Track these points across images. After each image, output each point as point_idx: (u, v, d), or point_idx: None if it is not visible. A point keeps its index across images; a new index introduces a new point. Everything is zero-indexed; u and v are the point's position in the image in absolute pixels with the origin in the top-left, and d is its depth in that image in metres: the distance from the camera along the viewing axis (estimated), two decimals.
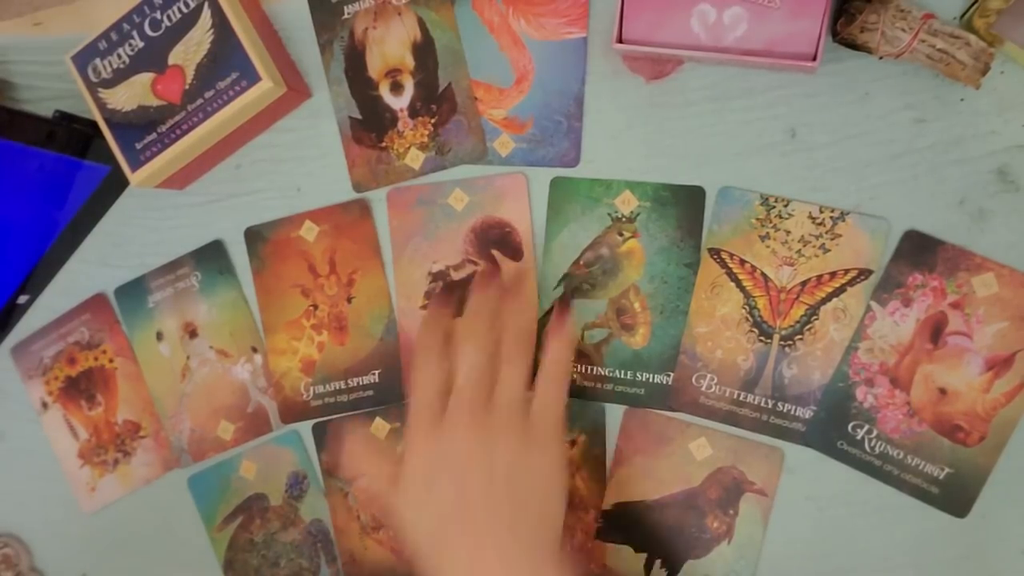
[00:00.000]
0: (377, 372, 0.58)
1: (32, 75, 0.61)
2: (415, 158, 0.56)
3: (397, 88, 0.56)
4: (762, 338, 0.51)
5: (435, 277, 0.56)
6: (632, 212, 0.53)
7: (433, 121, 0.55)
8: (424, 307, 0.56)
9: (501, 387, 0.46)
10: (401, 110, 0.56)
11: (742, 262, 0.51)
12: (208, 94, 0.53)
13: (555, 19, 0.53)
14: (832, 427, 0.51)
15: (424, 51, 0.55)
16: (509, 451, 0.44)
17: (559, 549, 0.45)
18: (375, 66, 0.56)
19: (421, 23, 0.55)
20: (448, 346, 0.47)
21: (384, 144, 0.56)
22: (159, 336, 0.62)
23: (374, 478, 0.48)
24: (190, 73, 0.54)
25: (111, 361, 0.63)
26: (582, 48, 0.53)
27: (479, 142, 0.55)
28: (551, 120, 0.54)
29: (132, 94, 0.55)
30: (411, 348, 0.57)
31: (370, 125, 0.57)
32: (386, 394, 0.58)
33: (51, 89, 0.61)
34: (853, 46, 0.48)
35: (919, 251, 0.49)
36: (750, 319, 0.52)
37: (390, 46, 0.56)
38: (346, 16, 0.56)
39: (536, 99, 0.54)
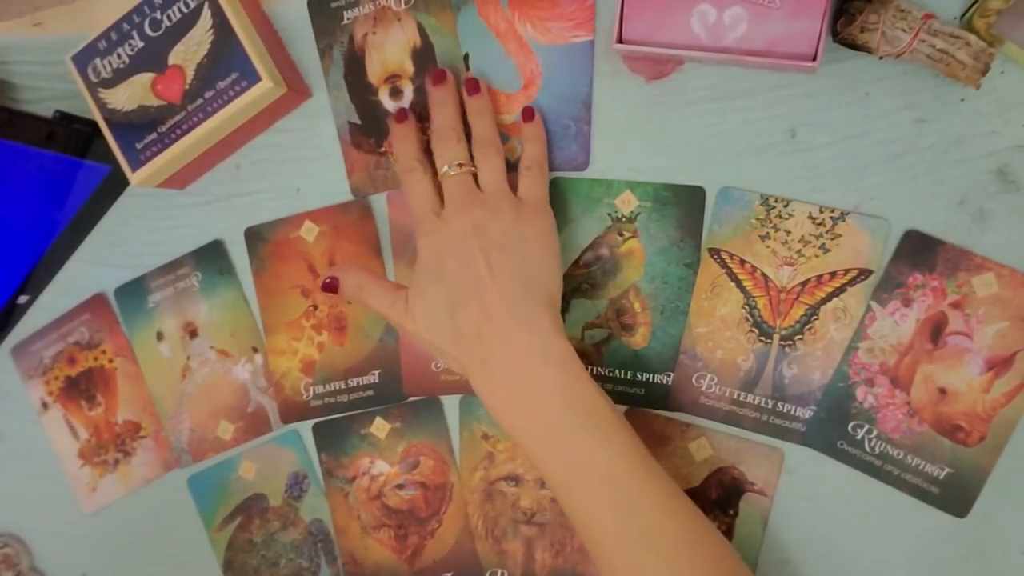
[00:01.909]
0: (377, 372, 0.58)
1: (32, 75, 0.61)
2: None
3: (397, 94, 0.56)
4: (762, 338, 0.51)
5: None
6: (632, 212, 0.53)
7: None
8: None
9: (483, 178, 0.51)
10: None
11: (742, 262, 0.51)
12: (208, 94, 0.53)
13: (561, 23, 0.53)
14: (832, 427, 0.51)
15: (424, 57, 0.55)
16: (502, 224, 0.49)
17: (557, 306, 0.50)
18: (375, 71, 0.56)
19: (421, 29, 0.55)
20: (427, 158, 0.52)
21: (383, 149, 0.56)
22: (159, 336, 0.62)
23: (379, 297, 0.51)
24: (190, 73, 0.54)
25: (111, 361, 0.63)
26: (589, 51, 0.53)
27: None
28: (559, 124, 0.54)
29: (132, 94, 0.55)
30: (411, 349, 0.57)
31: (369, 130, 0.57)
32: (386, 394, 0.58)
33: (51, 89, 0.61)
34: (853, 46, 0.48)
35: (919, 251, 0.49)
36: (750, 319, 0.52)
37: (390, 51, 0.56)
38: (346, 21, 0.56)
39: (544, 103, 0.54)
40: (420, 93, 0.55)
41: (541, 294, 0.49)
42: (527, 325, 0.47)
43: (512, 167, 0.53)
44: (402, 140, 0.53)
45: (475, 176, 0.51)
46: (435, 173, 0.52)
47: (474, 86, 0.52)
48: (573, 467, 0.45)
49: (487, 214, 0.49)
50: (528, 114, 0.53)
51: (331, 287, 0.52)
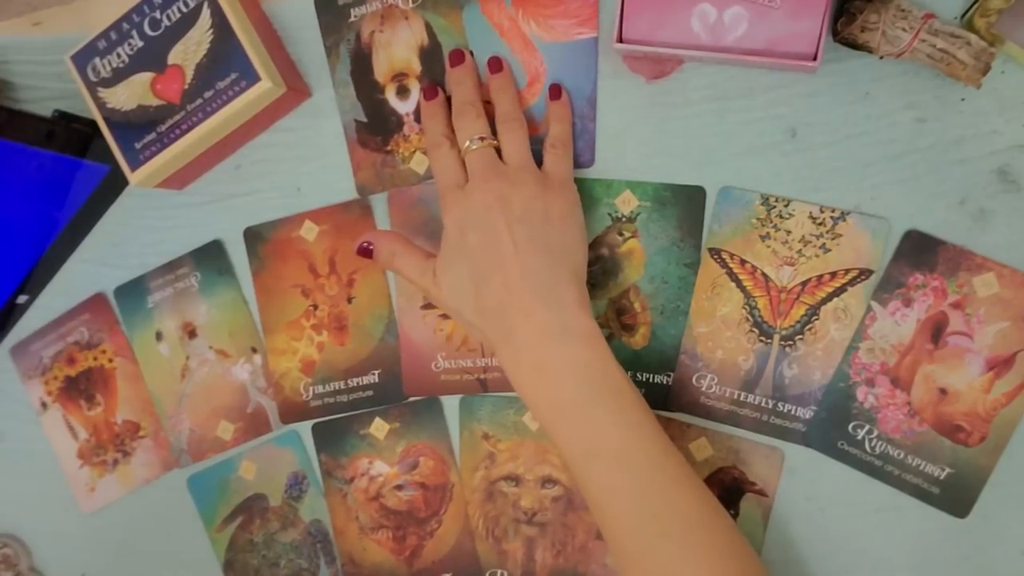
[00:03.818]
0: (377, 372, 0.58)
1: (32, 75, 0.61)
2: (420, 162, 0.56)
3: (403, 92, 0.56)
4: (762, 338, 0.51)
5: None
6: (632, 212, 0.53)
7: None
8: (424, 307, 0.56)
9: (506, 151, 0.51)
10: (407, 114, 0.56)
11: (742, 262, 0.51)
12: (207, 94, 0.53)
13: (565, 20, 0.53)
14: (832, 427, 0.51)
15: (431, 55, 0.55)
16: (525, 196, 0.49)
17: (583, 279, 0.50)
18: (381, 70, 0.56)
19: (428, 28, 0.55)
20: (454, 135, 0.52)
21: (389, 148, 0.56)
22: (158, 336, 0.62)
23: (410, 264, 0.52)
24: (189, 73, 0.54)
25: (110, 361, 0.63)
26: (593, 48, 0.53)
27: None
28: None
29: (131, 93, 0.55)
30: (412, 349, 0.57)
31: (375, 129, 0.56)
32: (386, 394, 0.58)
33: (51, 89, 0.60)
34: (854, 46, 0.48)
35: (920, 251, 0.49)
36: (750, 319, 0.51)
37: (397, 50, 0.56)
38: (353, 19, 0.56)
39: None
40: None
41: (565, 267, 0.49)
42: (550, 300, 0.47)
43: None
44: (431, 117, 0.53)
45: (499, 151, 0.51)
46: (455, 145, 0.52)
47: (496, 65, 0.53)
48: (590, 444, 0.46)
49: (509, 187, 0.49)
50: (555, 92, 0.53)
51: (367, 252, 0.53)
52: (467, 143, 0.51)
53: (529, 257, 0.48)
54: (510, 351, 0.48)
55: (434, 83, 0.55)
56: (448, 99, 0.54)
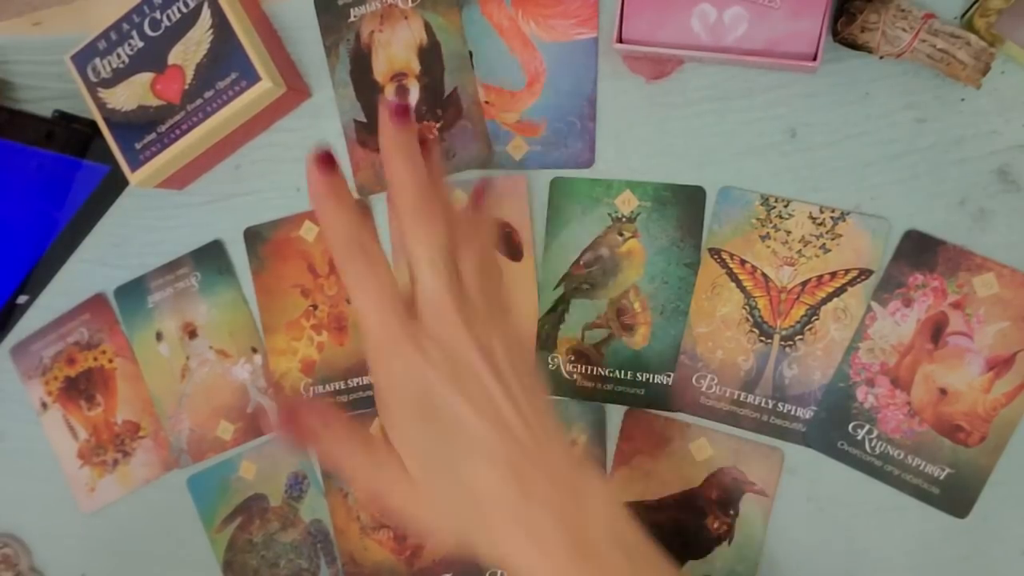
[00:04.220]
0: None
1: (32, 75, 0.61)
2: None
3: (403, 92, 0.56)
4: (762, 338, 0.51)
5: None
6: (632, 212, 0.53)
7: (439, 125, 0.55)
8: None
9: (466, 274, 0.38)
10: None
11: (742, 262, 0.51)
12: (208, 94, 0.53)
13: (565, 20, 0.53)
14: (832, 427, 0.51)
15: (430, 55, 0.55)
16: (504, 333, 0.38)
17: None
18: (381, 69, 0.56)
19: (427, 27, 0.55)
20: (376, 243, 0.37)
21: None
22: (159, 336, 0.62)
23: (362, 471, 0.38)
24: (190, 73, 0.54)
25: (111, 361, 0.63)
26: (593, 48, 0.53)
27: (484, 146, 0.55)
28: (564, 121, 0.53)
29: (132, 94, 0.55)
30: None
31: (375, 128, 0.56)
32: None
33: (51, 89, 0.60)
34: (854, 46, 0.48)
35: (920, 251, 0.49)
36: (750, 319, 0.51)
37: (396, 49, 0.56)
38: (352, 19, 0.56)
39: (549, 101, 0.54)
40: (426, 91, 0.55)
41: (553, 412, 0.39)
42: (566, 460, 0.37)
43: (517, 165, 0.53)
44: (341, 206, 0.37)
45: None
46: (381, 251, 0.38)
47: (425, 137, 0.40)
48: None
49: (484, 325, 0.37)
50: (477, 195, 0.41)
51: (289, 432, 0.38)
52: (425, 260, 0.36)
53: (531, 415, 0.36)
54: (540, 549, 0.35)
55: (327, 151, 0.37)
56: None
